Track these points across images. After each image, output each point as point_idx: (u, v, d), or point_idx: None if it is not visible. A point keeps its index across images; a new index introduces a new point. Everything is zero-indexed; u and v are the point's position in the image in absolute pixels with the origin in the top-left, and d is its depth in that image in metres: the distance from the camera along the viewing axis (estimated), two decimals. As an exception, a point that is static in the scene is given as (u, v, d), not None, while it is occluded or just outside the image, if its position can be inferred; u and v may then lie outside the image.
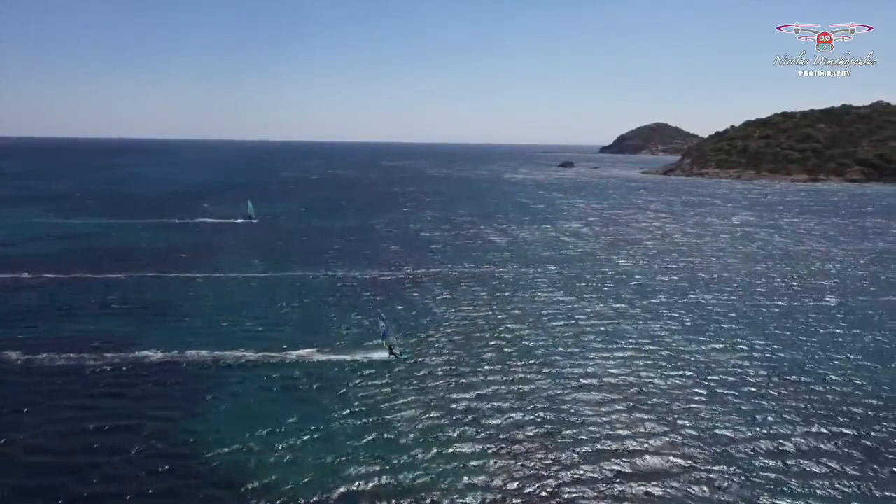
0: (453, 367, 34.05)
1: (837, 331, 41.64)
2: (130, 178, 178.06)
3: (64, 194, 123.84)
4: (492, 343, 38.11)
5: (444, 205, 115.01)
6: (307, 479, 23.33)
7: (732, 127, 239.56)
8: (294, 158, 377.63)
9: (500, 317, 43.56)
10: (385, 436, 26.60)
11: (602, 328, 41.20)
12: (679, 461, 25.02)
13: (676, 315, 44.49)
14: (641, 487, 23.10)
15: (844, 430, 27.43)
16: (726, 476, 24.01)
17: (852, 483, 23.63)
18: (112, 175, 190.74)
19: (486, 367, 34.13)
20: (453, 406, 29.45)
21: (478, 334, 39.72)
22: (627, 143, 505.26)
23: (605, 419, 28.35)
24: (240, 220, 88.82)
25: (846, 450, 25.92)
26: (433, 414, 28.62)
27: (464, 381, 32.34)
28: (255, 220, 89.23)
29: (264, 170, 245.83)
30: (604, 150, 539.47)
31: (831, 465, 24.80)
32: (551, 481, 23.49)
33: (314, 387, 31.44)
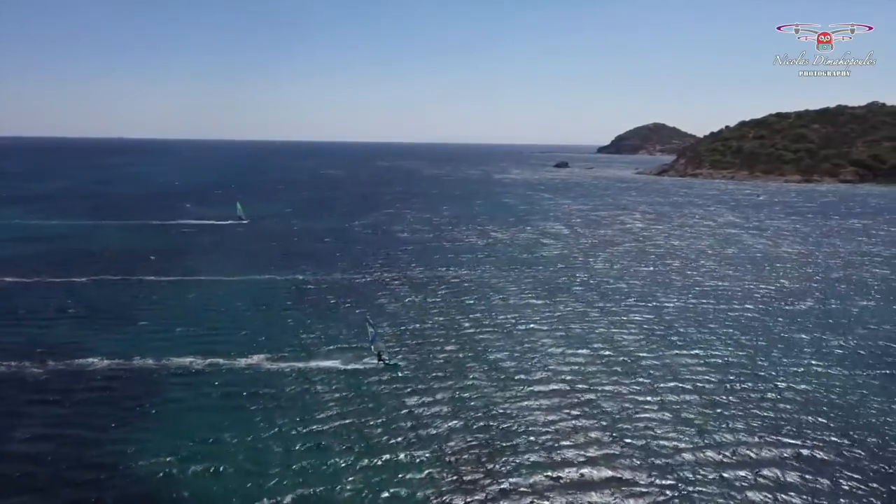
0: (396, 375, 33.40)
1: (804, 336, 40.98)
2: (122, 179, 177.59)
3: (51, 195, 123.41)
4: (447, 349, 37.51)
5: (428, 206, 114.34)
6: (231, 493, 22.77)
7: (727, 127, 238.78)
8: (292, 158, 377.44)
9: (461, 322, 42.94)
10: (320, 447, 25.98)
11: (564, 333, 40.53)
12: (617, 473, 24.39)
13: (641, 320, 43.83)
14: (570, 501, 22.51)
15: (790, 441, 26.76)
16: (664, 490, 23.42)
17: (791, 496, 23.04)
18: (105, 175, 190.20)
19: (438, 374, 33.51)
20: (395, 414, 28.85)
21: (436, 340, 39.10)
22: (625, 144, 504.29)
23: (550, 429, 27.69)
24: (228, 222, 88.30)
25: (790, 461, 25.26)
26: (375, 424, 27.98)
27: (409, 388, 31.74)
28: (244, 221, 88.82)
29: (260, 170, 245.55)
30: (601, 150, 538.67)
31: (771, 477, 24.17)
32: (480, 495, 22.90)
33: (257, 396, 30.66)
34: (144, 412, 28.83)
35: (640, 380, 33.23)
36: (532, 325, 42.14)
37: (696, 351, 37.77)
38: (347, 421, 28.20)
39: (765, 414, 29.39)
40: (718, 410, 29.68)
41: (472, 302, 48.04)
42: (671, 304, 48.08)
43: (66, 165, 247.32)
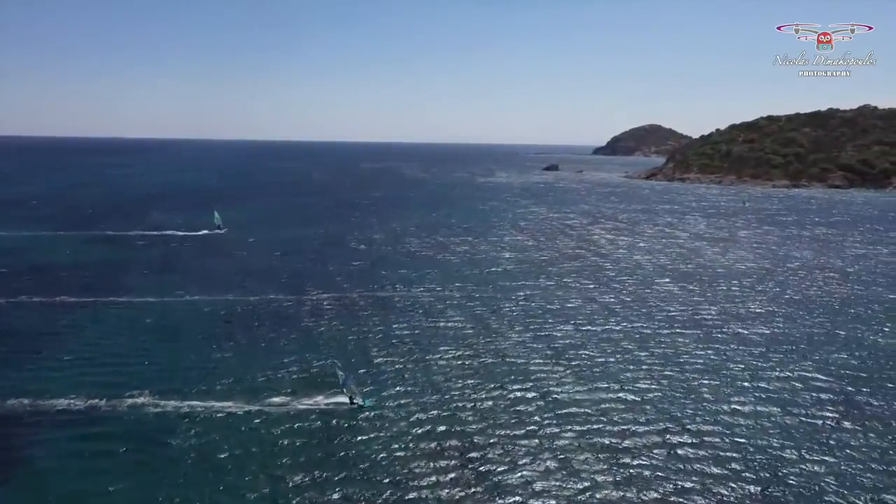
0: (284, 414, 31.38)
1: (738, 367, 38.78)
2: (100, 182, 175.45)
3: (16, 200, 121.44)
4: (352, 378, 35.52)
5: (399, 214, 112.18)
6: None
7: (717, 130, 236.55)
8: (285, 160, 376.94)
9: (373, 349, 41.03)
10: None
11: (478, 366, 38.52)
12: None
13: (572, 351, 41.59)
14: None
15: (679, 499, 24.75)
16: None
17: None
18: (84, 178, 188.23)
19: (343, 414, 31.55)
20: (258, 463, 26.93)
21: (346, 364, 37.12)
22: (621, 145, 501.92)
23: (420, 483, 25.76)
24: (201, 232, 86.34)
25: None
26: (229, 476, 26.10)
27: (304, 426, 29.76)
28: (222, 231, 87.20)
29: (249, 173, 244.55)
30: (597, 151, 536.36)
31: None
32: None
33: (135, 445, 28.45)
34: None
35: (545, 421, 31.19)
36: (450, 357, 40.11)
37: (615, 386, 35.65)
38: (215, 477, 26.27)
39: (667, 466, 27.24)
40: (614, 463, 27.53)
41: (400, 326, 46.01)
42: (609, 330, 45.98)
43: (49, 167, 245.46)
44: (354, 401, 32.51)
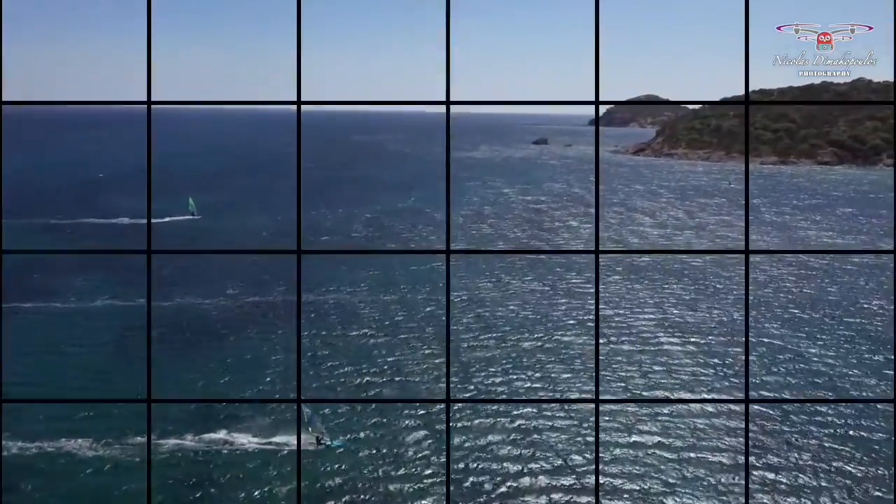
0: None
1: (645, 400, 36.34)
2: (78, 158, 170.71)
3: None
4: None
5: (363, 198, 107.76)
6: None
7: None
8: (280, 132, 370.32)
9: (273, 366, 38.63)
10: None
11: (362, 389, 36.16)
12: None
13: (479, 367, 39.42)
14: None
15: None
16: None
17: None
18: (61, 153, 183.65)
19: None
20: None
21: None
22: (616, 116, 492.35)
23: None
24: (167, 219, 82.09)
25: None
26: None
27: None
28: (195, 217, 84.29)
29: (243, 148, 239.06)
30: (592, 122, 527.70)
31: None
32: None
33: None
34: None
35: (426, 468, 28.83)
36: (343, 379, 37.74)
37: (501, 420, 33.24)
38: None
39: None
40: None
41: (316, 336, 43.59)
42: (531, 344, 43.55)
43: (25, 143, 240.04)
44: (322, 441, 30.01)
